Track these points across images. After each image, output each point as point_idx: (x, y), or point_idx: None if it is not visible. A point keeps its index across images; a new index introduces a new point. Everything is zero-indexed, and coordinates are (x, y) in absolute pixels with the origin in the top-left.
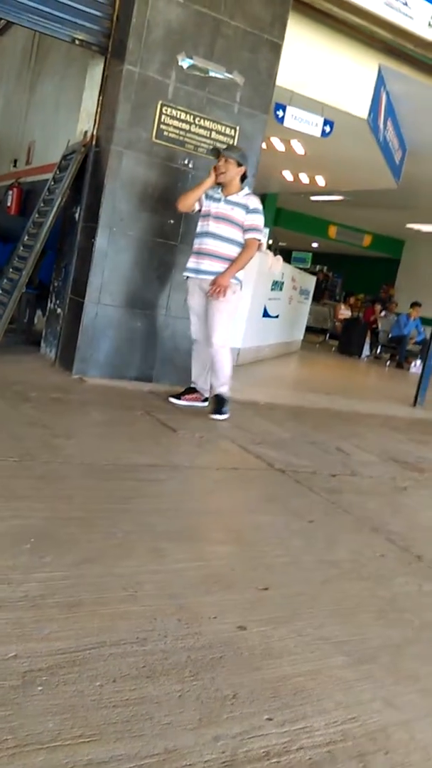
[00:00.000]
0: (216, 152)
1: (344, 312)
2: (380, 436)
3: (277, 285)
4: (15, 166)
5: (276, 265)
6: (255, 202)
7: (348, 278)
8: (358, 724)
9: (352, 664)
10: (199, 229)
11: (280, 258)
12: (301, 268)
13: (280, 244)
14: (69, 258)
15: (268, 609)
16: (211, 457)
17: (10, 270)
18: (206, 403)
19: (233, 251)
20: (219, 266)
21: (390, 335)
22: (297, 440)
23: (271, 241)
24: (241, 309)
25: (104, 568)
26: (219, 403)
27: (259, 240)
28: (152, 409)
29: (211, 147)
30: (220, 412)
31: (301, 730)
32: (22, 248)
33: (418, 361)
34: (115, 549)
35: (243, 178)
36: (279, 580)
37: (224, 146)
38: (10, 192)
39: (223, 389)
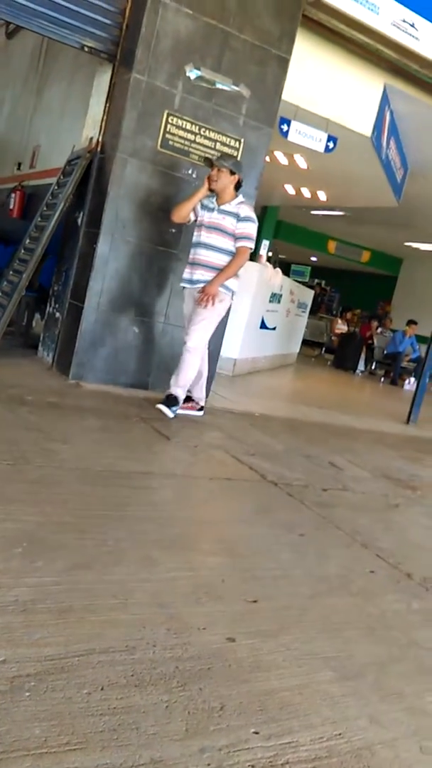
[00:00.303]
0: (209, 162)
1: (341, 327)
2: (373, 452)
3: (275, 297)
4: (19, 169)
5: (275, 277)
6: (246, 210)
7: (345, 293)
8: (344, 740)
9: (339, 680)
10: (193, 239)
11: (279, 270)
12: (299, 282)
13: (280, 256)
14: (70, 263)
15: (257, 622)
16: (205, 467)
17: (11, 272)
18: (202, 413)
19: (225, 261)
20: (211, 276)
21: (385, 352)
22: (290, 453)
23: (270, 254)
24: (239, 319)
25: (95, 575)
26: (171, 401)
27: (250, 248)
28: (147, 416)
29: (204, 157)
30: (169, 407)
31: (287, 745)
32: (23, 251)
33: (413, 379)
34: (106, 556)
35: (238, 186)
36: (268, 593)
37: (217, 155)
38: (13, 195)
39: (179, 391)
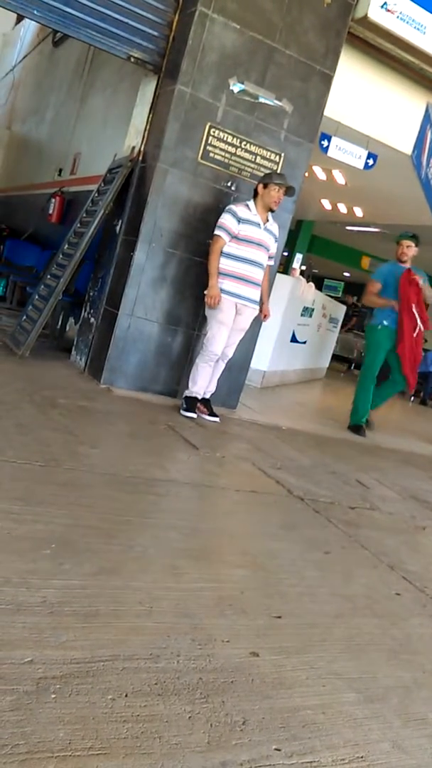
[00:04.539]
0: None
1: None
2: (401, 472)
3: (307, 311)
4: (59, 175)
5: (308, 291)
6: (277, 228)
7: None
8: (366, 764)
9: (362, 702)
10: (239, 252)
11: (312, 285)
12: (332, 297)
13: (313, 270)
14: (106, 269)
15: (281, 637)
16: (231, 478)
17: (48, 276)
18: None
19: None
20: (257, 292)
21: None
22: (317, 468)
23: (304, 267)
24: (270, 332)
25: (121, 581)
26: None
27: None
28: (176, 424)
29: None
30: (215, 415)
31: (308, 764)
32: (61, 256)
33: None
34: (132, 562)
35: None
36: (292, 610)
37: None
38: (53, 200)
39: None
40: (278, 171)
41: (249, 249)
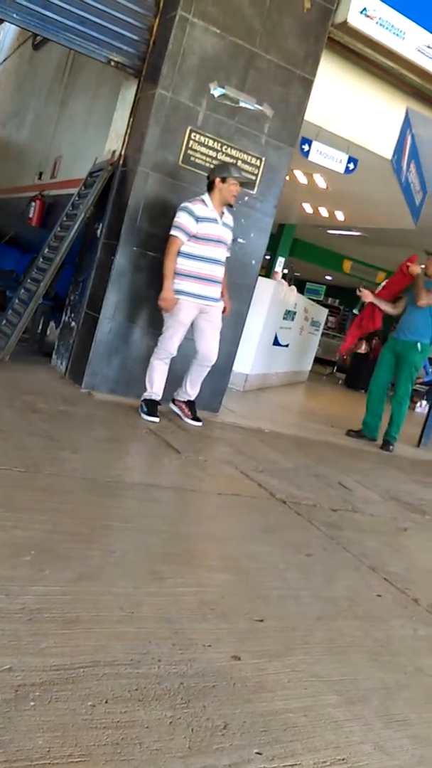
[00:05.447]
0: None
1: (365, 349)
2: (383, 474)
3: (289, 315)
4: (40, 178)
5: (290, 295)
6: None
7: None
8: (347, 766)
9: (343, 704)
10: (199, 252)
11: (294, 288)
12: (314, 300)
13: (295, 274)
14: (87, 273)
15: (263, 641)
16: (214, 482)
17: (28, 280)
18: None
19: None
20: (218, 290)
21: None
22: (299, 471)
23: (286, 271)
24: (252, 335)
25: (102, 586)
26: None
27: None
28: (158, 428)
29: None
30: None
31: (290, 767)
32: (41, 260)
33: (424, 402)
34: (113, 567)
35: (210, 187)
36: (274, 613)
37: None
38: (33, 204)
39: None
40: (259, 175)
41: (208, 247)
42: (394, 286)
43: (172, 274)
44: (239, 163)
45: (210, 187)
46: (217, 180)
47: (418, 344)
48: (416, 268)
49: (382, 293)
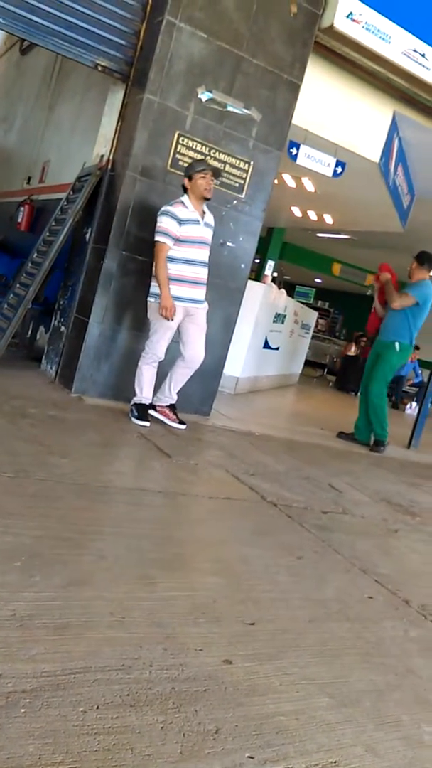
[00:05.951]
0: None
1: (355, 351)
2: (373, 475)
3: (279, 318)
4: (28, 183)
5: (279, 298)
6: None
7: (349, 316)
8: None
9: (335, 707)
10: (187, 255)
11: (283, 291)
12: (303, 303)
13: (285, 277)
14: (76, 277)
15: (254, 644)
16: (204, 486)
17: (17, 285)
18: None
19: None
20: (204, 292)
21: None
22: (290, 474)
23: (275, 274)
24: (242, 339)
25: (93, 592)
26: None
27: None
28: (148, 432)
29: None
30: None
31: None
32: (30, 265)
33: (414, 404)
34: (104, 572)
35: (185, 189)
36: (266, 616)
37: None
38: (22, 208)
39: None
40: (247, 179)
41: (192, 249)
42: (380, 294)
43: (167, 281)
44: (227, 167)
45: (185, 189)
46: (186, 181)
47: (396, 344)
48: (385, 275)
49: (379, 298)
